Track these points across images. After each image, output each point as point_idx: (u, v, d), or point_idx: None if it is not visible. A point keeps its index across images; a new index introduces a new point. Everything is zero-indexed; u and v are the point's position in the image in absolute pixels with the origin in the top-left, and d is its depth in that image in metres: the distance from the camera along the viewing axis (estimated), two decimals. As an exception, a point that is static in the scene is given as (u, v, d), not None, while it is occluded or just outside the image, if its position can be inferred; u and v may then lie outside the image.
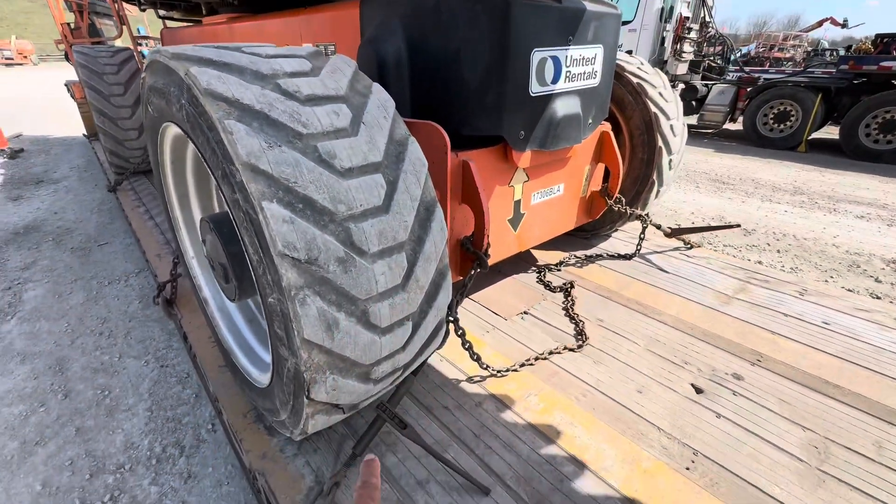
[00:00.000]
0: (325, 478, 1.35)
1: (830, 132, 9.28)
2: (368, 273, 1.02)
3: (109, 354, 2.59)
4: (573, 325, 2.08)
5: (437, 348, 1.42)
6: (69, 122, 9.25)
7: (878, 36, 7.76)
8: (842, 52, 9.34)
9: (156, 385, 2.36)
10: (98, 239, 4.09)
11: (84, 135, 7.41)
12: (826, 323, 2.13)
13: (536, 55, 1.61)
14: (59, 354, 2.60)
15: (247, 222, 0.96)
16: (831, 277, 3.51)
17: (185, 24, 4.32)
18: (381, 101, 1.18)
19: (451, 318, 1.53)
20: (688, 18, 8.98)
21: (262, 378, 1.41)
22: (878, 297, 3.16)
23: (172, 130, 1.34)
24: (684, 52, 9.18)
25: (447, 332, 1.50)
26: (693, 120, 9.51)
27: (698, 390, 1.72)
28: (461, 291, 1.64)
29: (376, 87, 1.21)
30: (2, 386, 2.36)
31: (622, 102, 2.57)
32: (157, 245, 3.04)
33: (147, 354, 2.59)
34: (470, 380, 1.74)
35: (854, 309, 2.24)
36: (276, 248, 0.91)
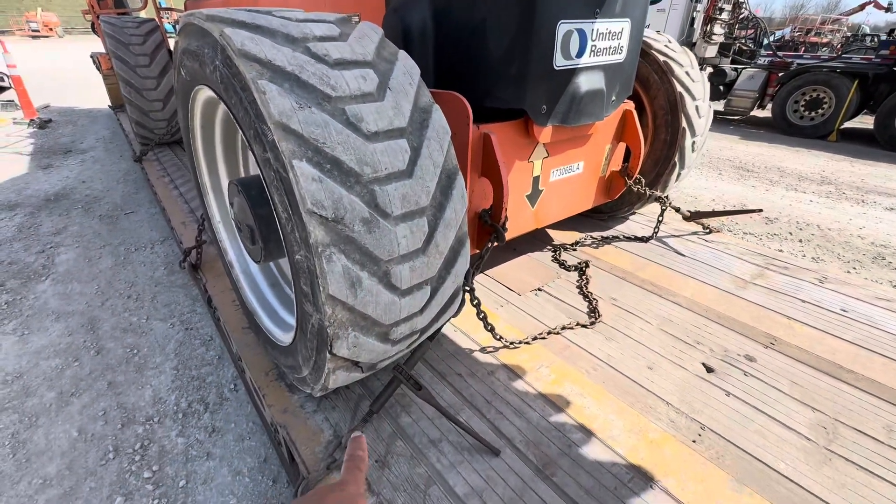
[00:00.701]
0: (342, 432, 1.42)
1: (864, 121, 8.92)
2: (391, 235, 1.06)
3: (137, 316, 2.71)
4: (586, 303, 2.10)
5: (453, 315, 1.47)
6: (95, 94, 9.43)
7: (923, 20, 7.35)
8: (883, 37, 8.88)
9: (181, 346, 2.48)
10: (124, 207, 4.22)
11: (109, 106, 7.55)
12: (844, 310, 2.11)
13: (562, 27, 1.59)
14: (91, 314, 2.73)
15: (277, 181, 1.00)
16: (854, 269, 3.44)
17: (209, -5, 4.34)
18: (406, 68, 1.19)
19: (467, 288, 1.56)
20: (720, -2, 8.63)
21: (285, 337, 1.48)
22: (902, 290, 3.09)
23: (204, 94, 1.38)
24: (714, 34, 8.86)
25: (463, 301, 1.54)
26: (720, 105, 9.22)
27: (709, 369, 1.74)
28: (477, 264, 1.67)
29: (402, 54, 1.23)
30: (39, 341, 2.50)
31: (647, 81, 2.53)
32: (182, 213, 3.13)
33: (173, 317, 2.70)
34: (483, 350, 1.78)
35: (874, 298, 2.21)
36: (305, 206, 0.95)
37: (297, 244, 1.03)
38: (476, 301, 1.62)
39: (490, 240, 1.71)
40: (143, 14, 6.01)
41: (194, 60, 1.21)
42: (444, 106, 1.47)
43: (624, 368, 1.72)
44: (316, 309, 1.07)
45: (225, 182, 1.79)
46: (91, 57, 7.22)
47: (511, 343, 1.78)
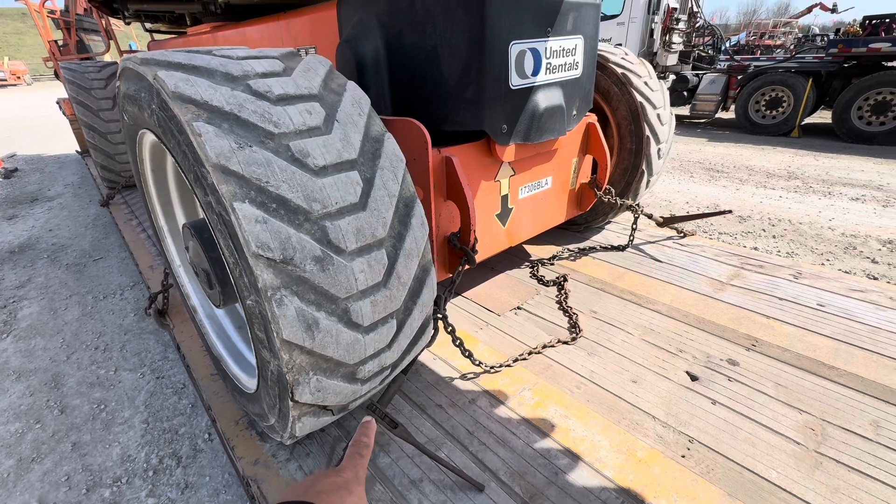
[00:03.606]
0: (317, 481, 1.34)
1: (823, 116, 9.27)
2: (347, 271, 1.01)
3: (105, 368, 2.59)
4: (567, 319, 2.07)
5: (426, 346, 1.41)
6: (63, 140, 9.28)
7: (865, 18, 7.76)
8: (832, 37, 9.33)
9: (152, 397, 2.35)
10: (93, 254, 4.09)
11: (77, 151, 7.42)
12: (821, 305, 2.11)
13: (515, 48, 1.60)
14: (55, 370, 2.59)
15: (220, 224, 0.96)
16: (828, 260, 3.50)
17: (172, 35, 4.33)
18: (355, 99, 1.17)
19: (439, 315, 1.52)
20: (675, 9, 8.98)
21: (250, 383, 1.40)
22: (875, 278, 3.15)
23: (149, 138, 1.34)
24: (673, 43, 9.18)
25: (436, 330, 1.50)
26: (685, 110, 9.51)
27: (693, 378, 1.71)
28: (450, 288, 1.63)
29: (351, 84, 1.21)
30: (-3, 404, 2.35)
31: (608, 93, 2.56)
32: (150, 257, 3.03)
33: (143, 367, 2.58)
34: (463, 377, 1.73)
35: (849, 290, 2.23)
36: (249, 249, 0.90)
37: (247, 289, 0.97)
38: (450, 328, 1.57)
39: (461, 263, 1.67)
40: (107, 57, 5.97)
41: (134, 105, 1.17)
42: (401, 133, 1.46)
43: (608, 384, 1.68)
44: (273, 355, 1.02)
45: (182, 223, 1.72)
46: (57, 103, 7.13)
47: (491, 367, 1.73)
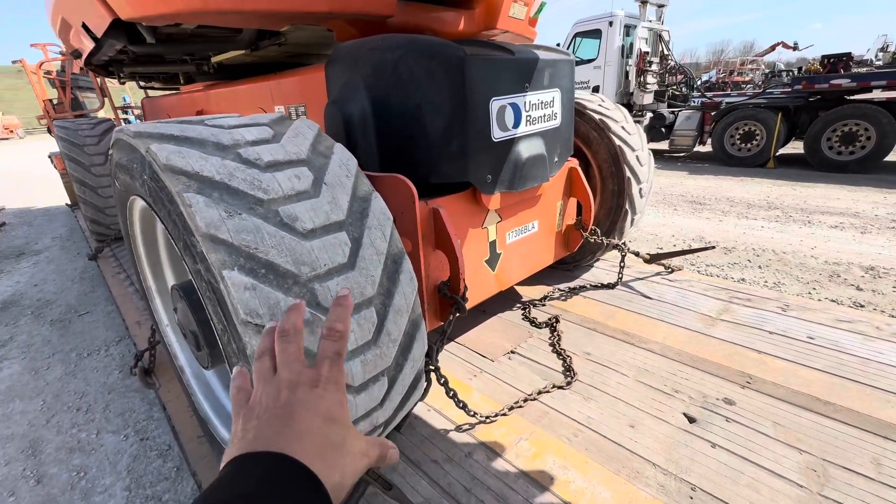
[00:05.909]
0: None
1: (796, 147, 9.67)
2: (337, 332, 1.01)
3: (87, 431, 2.48)
4: (561, 362, 2.06)
5: (419, 400, 1.39)
6: (53, 192, 9.30)
7: (824, 57, 8.29)
8: (796, 73, 9.92)
9: (135, 461, 2.25)
10: (78, 308, 4.01)
11: (67, 204, 7.44)
12: (811, 338, 2.13)
13: (495, 103, 1.68)
14: (33, 436, 2.48)
15: (209, 292, 0.96)
16: (814, 289, 3.55)
17: (166, 92, 4.47)
18: (342, 161, 1.21)
19: (431, 367, 1.50)
20: (647, 53, 9.52)
21: (240, 447, 1.36)
22: (862, 306, 3.19)
23: (140, 203, 1.36)
24: (648, 84, 9.67)
25: (429, 382, 1.48)
26: (664, 145, 9.88)
27: (691, 419, 1.69)
28: (441, 338, 1.63)
29: (338, 147, 1.25)
30: (-31, 477, 2.22)
31: (588, 138, 2.67)
32: (137, 312, 2.99)
33: (126, 428, 2.48)
34: (458, 429, 1.69)
35: (836, 321, 2.26)
36: (238, 317, 0.90)
37: (236, 356, 0.97)
38: (443, 380, 1.56)
39: (451, 312, 1.67)
40: (101, 113, 6.11)
41: (126, 173, 1.20)
42: (389, 188, 1.50)
43: (605, 430, 1.65)
44: (261, 422, 0.99)
45: (171, 284, 1.72)
46: (49, 157, 7.21)
47: (487, 417, 1.69)
